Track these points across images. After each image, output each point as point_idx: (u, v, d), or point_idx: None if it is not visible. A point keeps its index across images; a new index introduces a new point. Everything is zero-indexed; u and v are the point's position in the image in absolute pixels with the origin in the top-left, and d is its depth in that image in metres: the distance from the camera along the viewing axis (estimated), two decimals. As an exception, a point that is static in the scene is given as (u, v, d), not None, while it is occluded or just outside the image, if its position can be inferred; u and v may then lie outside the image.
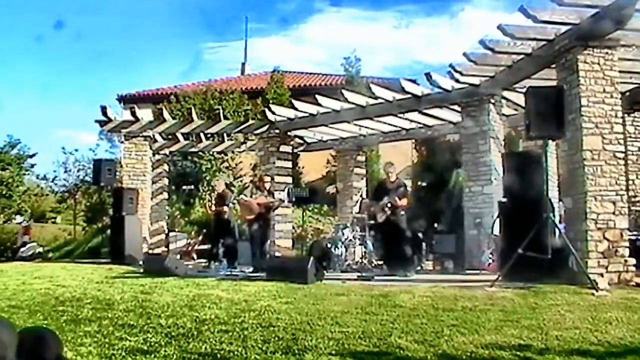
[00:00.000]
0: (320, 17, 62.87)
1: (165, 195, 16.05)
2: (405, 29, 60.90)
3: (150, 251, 13.96)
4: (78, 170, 22.33)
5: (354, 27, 58.40)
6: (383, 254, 10.46)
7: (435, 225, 11.85)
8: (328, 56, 64.42)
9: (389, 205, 9.72)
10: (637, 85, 10.58)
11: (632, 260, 7.82)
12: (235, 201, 12.11)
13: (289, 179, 14.54)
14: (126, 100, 24.54)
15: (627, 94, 10.53)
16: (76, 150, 22.87)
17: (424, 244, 11.34)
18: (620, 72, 8.40)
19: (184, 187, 16.37)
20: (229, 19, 64.66)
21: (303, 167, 20.94)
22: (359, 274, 9.66)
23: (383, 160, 19.41)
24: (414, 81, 12.45)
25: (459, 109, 11.78)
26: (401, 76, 14.20)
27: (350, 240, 11.31)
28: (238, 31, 56.64)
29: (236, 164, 20.12)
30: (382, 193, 10.00)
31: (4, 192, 20.77)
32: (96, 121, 14.72)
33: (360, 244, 11.49)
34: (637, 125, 11.28)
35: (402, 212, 9.77)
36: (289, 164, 14.79)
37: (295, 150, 16.26)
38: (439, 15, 66.83)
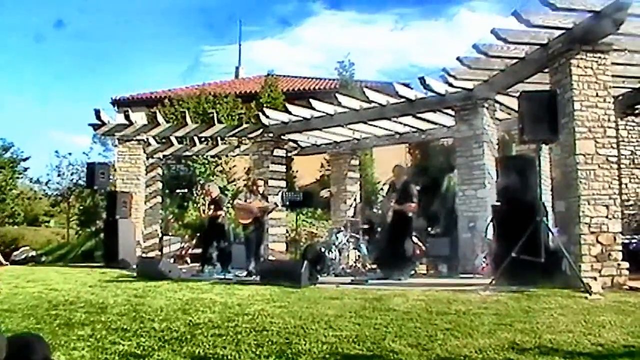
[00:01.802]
0: (316, 20, 62.96)
1: (159, 198, 16.01)
2: (401, 31, 61.11)
3: (143, 255, 13.93)
4: (72, 174, 22.33)
5: (350, 30, 58.53)
6: (380, 254, 10.45)
7: (429, 228, 11.85)
8: (324, 59, 64.44)
9: (391, 205, 9.78)
10: (629, 90, 10.64)
11: (626, 264, 7.85)
12: (229, 205, 12.11)
13: (283, 183, 14.56)
14: (120, 104, 24.55)
15: (620, 98, 10.59)
16: (70, 153, 22.87)
17: (419, 246, 11.33)
18: (613, 76, 8.45)
19: (178, 190, 16.33)
20: (224, 22, 64.70)
21: (297, 171, 20.95)
22: (352, 277, 9.65)
23: (377, 164, 19.50)
24: (407, 85, 12.48)
25: (452, 113, 11.81)
26: (397, 79, 14.28)
27: (344, 244, 11.30)
28: (233, 34, 56.66)
29: (230, 168, 20.12)
30: (391, 194, 10.10)
31: (-4, 196, 20.72)
32: (90, 124, 14.69)
33: (354, 248, 11.49)
34: (630, 130, 11.33)
35: (410, 214, 9.78)
36: (283, 168, 14.80)
37: (289, 154, 16.26)
38: (435, 18, 66.98)
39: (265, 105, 17.65)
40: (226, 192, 17.10)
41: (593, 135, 8.04)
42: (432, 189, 13.30)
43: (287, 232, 15.18)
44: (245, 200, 10.86)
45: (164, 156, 16.42)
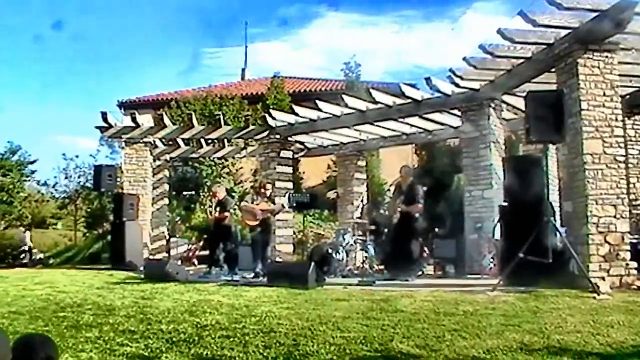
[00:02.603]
0: (320, 22, 62.96)
1: (166, 200, 16.04)
2: (406, 33, 61.05)
3: (151, 257, 13.95)
4: (79, 176, 22.34)
5: (355, 32, 58.48)
6: (387, 255, 10.44)
7: (436, 229, 11.81)
8: (328, 61, 64.39)
9: (400, 206, 9.79)
10: (637, 89, 10.58)
11: (634, 264, 7.81)
12: (236, 206, 12.11)
13: (290, 185, 14.55)
14: (126, 106, 24.64)
15: (627, 97, 10.53)
16: (77, 156, 22.89)
17: (425, 248, 11.31)
18: (619, 75, 8.40)
19: (185, 192, 16.35)
20: (229, 24, 64.78)
21: (304, 173, 20.95)
22: (359, 279, 9.65)
23: (383, 165, 19.47)
24: (413, 86, 12.45)
25: (459, 113, 11.78)
26: (402, 80, 14.20)
27: (351, 245, 11.30)
28: (238, 36, 56.56)
29: (237, 170, 20.12)
30: (398, 195, 10.11)
31: (4, 199, 20.79)
32: (97, 127, 14.74)
33: (361, 249, 11.48)
34: (637, 129, 11.25)
35: (417, 215, 9.79)
36: (290, 170, 14.79)
37: (295, 156, 16.26)
38: (439, 20, 66.85)
39: (271, 106, 17.65)
40: (233, 194, 17.14)
41: (600, 134, 8.00)
42: (438, 189, 13.28)
43: (294, 233, 15.17)
44: (252, 202, 10.86)
45: (170, 158, 16.45)
